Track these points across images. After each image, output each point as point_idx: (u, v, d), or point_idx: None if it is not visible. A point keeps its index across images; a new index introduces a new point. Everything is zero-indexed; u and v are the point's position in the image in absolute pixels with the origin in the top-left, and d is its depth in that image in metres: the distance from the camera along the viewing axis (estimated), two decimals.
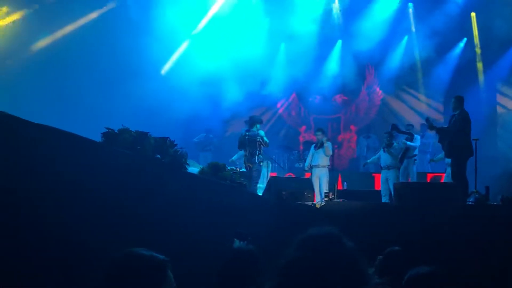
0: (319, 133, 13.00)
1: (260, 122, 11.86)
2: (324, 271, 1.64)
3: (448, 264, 3.04)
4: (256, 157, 11.18)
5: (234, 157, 12.92)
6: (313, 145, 13.08)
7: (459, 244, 7.71)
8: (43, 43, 14.39)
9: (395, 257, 4.36)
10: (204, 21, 16.26)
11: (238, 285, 3.18)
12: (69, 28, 14.62)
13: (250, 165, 11.10)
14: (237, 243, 4.44)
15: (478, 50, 17.14)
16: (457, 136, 10.13)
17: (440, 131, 10.77)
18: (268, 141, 11.50)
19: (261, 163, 11.58)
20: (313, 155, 12.84)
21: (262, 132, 11.55)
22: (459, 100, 10.41)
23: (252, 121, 11.58)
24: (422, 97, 18.27)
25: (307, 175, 13.48)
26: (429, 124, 10.89)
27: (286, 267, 1.70)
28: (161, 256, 2.06)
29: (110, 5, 15.42)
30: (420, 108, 18.00)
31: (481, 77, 17.23)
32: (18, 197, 3.44)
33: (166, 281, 2.03)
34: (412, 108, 18.34)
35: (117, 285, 1.98)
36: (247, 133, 11.39)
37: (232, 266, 3.28)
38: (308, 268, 1.66)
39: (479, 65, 17.24)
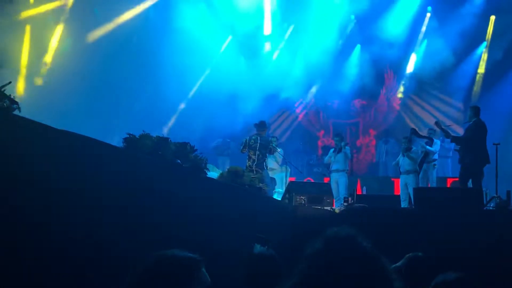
0: (338, 138, 12.98)
1: (268, 128, 11.83)
2: (342, 272, 1.66)
3: (469, 270, 3.01)
4: (264, 163, 11.11)
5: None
6: (332, 150, 13.07)
7: (479, 250, 7.65)
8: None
9: (418, 263, 4.34)
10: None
11: None
12: (97, 33, 14.75)
13: (259, 171, 10.95)
14: (257, 248, 4.45)
15: (485, 54, 16.97)
16: (471, 144, 10.14)
17: (454, 139, 10.85)
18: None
19: (267, 168, 11.54)
20: (332, 159, 12.82)
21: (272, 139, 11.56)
22: (475, 110, 10.51)
23: (264, 126, 11.49)
24: (442, 101, 18.13)
25: (326, 180, 13.48)
26: (445, 132, 10.93)
27: (303, 269, 1.72)
28: (194, 255, 2.12)
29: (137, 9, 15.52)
30: (440, 112, 17.86)
31: (480, 73, 17.06)
32: (39, 201, 3.49)
33: (200, 279, 2.09)
34: (431, 112, 18.21)
35: (151, 285, 2.03)
36: (259, 138, 11.26)
37: (253, 272, 3.31)
38: (326, 269, 1.68)
39: (481, 65, 17.08)
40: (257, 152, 11.02)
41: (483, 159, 10.16)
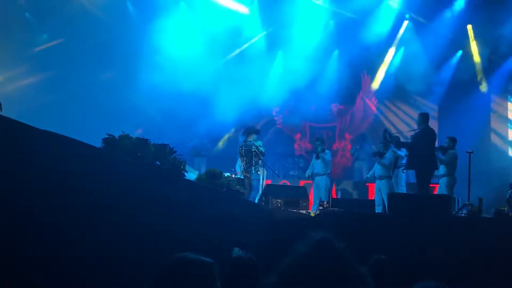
0: (318, 142, 13.16)
1: (256, 132, 11.82)
2: (317, 273, 1.71)
3: (439, 275, 3.08)
4: (253, 167, 11.25)
5: (237, 168, 12.91)
6: (314, 154, 13.24)
7: (451, 256, 7.78)
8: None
9: (382, 266, 4.35)
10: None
11: None
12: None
13: (248, 175, 11.21)
14: (236, 251, 4.48)
15: (477, 59, 17.19)
16: (417, 150, 10.29)
17: (402, 144, 11.10)
18: (264, 150, 11.53)
19: (258, 172, 11.64)
20: (313, 164, 13.02)
21: (258, 142, 11.53)
22: (423, 117, 10.68)
23: (248, 132, 11.69)
24: (418, 106, 18.34)
25: (302, 183, 13.57)
26: (393, 139, 11.12)
27: (281, 269, 1.77)
28: (207, 259, 2.16)
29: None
30: (415, 118, 18.04)
31: (483, 88, 17.28)
32: (19, 202, 3.49)
33: (214, 283, 2.14)
34: (407, 118, 18.44)
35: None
36: (243, 144, 11.50)
37: (232, 275, 3.34)
38: (301, 270, 1.73)
39: (479, 76, 17.31)
40: (244, 158, 11.36)
41: (431, 165, 10.32)
